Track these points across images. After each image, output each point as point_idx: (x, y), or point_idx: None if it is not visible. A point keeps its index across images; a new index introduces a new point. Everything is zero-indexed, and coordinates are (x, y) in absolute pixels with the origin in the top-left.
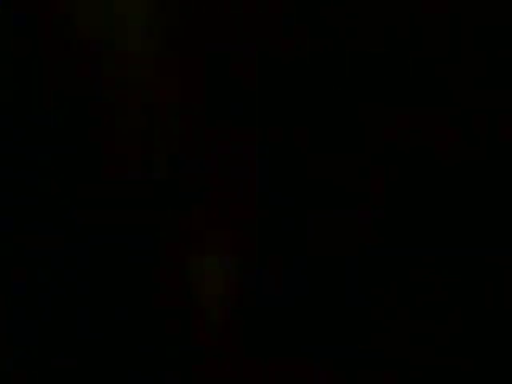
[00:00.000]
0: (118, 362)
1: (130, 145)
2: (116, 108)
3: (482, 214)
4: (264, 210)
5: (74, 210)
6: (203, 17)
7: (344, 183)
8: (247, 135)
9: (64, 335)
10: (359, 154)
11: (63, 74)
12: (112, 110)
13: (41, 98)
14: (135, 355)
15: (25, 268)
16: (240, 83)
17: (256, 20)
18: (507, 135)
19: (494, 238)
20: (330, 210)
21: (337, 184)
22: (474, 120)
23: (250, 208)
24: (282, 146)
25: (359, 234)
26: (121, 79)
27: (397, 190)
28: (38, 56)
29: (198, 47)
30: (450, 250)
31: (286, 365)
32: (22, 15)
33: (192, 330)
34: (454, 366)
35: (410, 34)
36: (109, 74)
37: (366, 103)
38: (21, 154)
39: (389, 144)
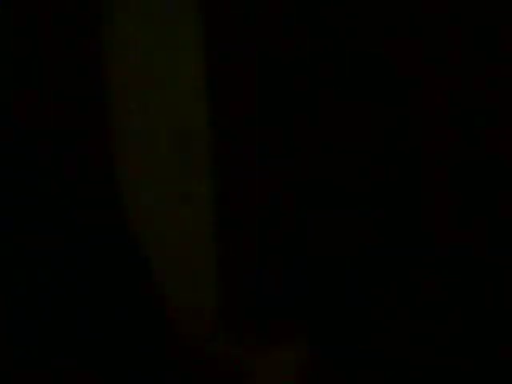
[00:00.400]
0: (118, 361)
1: (131, 144)
2: (117, 107)
3: (482, 213)
4: (264, 210)
5: (74, 209)
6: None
7: (344, 183)
8: (247, 135)
9: (64, 335)
10: (359, 154)
11: (63, 73)
12: (113, 109)
13: (41, 98)
14: (135, 355)
15: (25, 268)
16: (240, 83)
17: (256, 20)
18: (507, 135)
19: (494, 238)
20: (329, 210)
21: (337, 184)
22: (474, 120)
23: (250, 207)
24: (282, 145)
25: (359, 233)
26: (121, 79)
27: (397, 190)
28: (38, 56)
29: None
30: (449, 250)
31: (286, 364)
32: (22, 15)
33: (191, 330)
34: (454, 366)
35: (410, 34)
36: (110, 73)
37: (365, 103)
38: (21, 154)
39: (389, 144)
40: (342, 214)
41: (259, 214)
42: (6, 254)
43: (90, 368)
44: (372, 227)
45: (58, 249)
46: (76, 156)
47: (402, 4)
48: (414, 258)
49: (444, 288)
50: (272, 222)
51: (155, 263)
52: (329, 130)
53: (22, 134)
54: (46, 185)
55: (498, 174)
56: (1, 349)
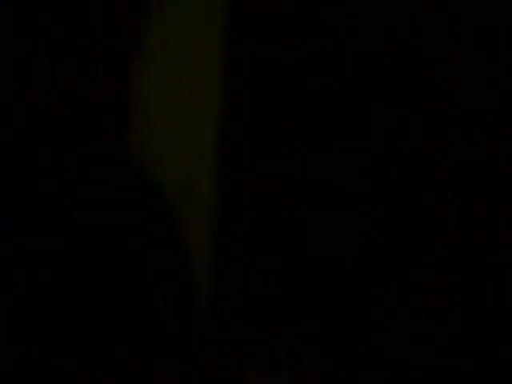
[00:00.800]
0: (118, 361)
1: (128, 144)
2: (116, 106)
3: (482, 213)
4: (264, 210)
5: (74, 209)
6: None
7: (344, 183)
8: (246, 135)
9: (64, 335)
10: (359, 154)
11: (64, 73)
12: (113, 108)
13: (41, 98)
14: (135, 355)
15: (25, 268)
16: (241, 83)
17: (256, 20)
18: (507, 135)
19: (494, 237)
20: (329, 210)
21: (337, 184)
22: (474, 120)
23: (250, 208)
24: (282, 145)
25: (359, 233)
26: (122, 79)
27: (397, 190)
28: (38, 56)
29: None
30: (450, 250)
31: (286, 364)
32: (22, 15)
33: (191, 331)
34: (454, 365)
35: (410, 34)
36: (111, 72)
37: (365, 103)
38: (21, 154)
39: (389, 144)
40: (341, 214)
41: (259, 214)
42: (6, 253)
43: (90, 368)
44: (372, 227)
45: (58, 249)
46: (76, 156)
47: (402, 4)
48: (414, 258)
49: (444, 288)
50: (272, 222)
51: (155, 263)
52: (329, 129)
53: (22, 133)
54: (46, 185)
55: (498, 174)
56: (1, 349)
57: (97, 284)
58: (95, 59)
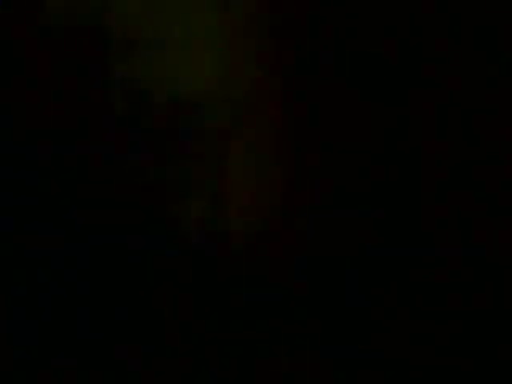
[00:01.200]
0: (117, 361)
1: (128, 145)
2: (114, 105)
3: (482, 213)
4: (264, 210)
5: (74, 209)
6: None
7: (344, 183)
8: (247, 135)
9: (64, 335)
10: (359, 154)
11: (63, 73)
12: (112, 107)
13: (41, 98)
14: (135, 354)
15: (25, 268)
16: (239, 82)
17: (256, 20)
18: (507, 135)
19: (493, 237)
20: (329, 210)
21: (337, 184)
22: (474, 120)
23: (251, 207)
24: (282, 145)
25: (359, 234)
26: (120, 78)
27: (397, 190)
28: (38, 56)
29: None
30: (450, 249)
31: (287, 364)
32: (21, 15)
33: (191, 331)
34: (453, 365)
35: (410, 34)
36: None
37: (365, 103)
38: (21, 153)
39: (389, 144)
40: (342, 214)
41: (258, 214)
42: (6, 253)
43: (90, 368)
44: (372, 227)
45: (58, 249)
46: (76, 156)
47: (402, 4)
48: (414, 258)
49: (444, 288)
50: (272, 221)
51: (154, 264)
52: (329, 129)
53: (22, 133)
54: (46, 185)
55: (498, 174)
56: (1, 349)
57: (97, 284)
58: (95, 60)
